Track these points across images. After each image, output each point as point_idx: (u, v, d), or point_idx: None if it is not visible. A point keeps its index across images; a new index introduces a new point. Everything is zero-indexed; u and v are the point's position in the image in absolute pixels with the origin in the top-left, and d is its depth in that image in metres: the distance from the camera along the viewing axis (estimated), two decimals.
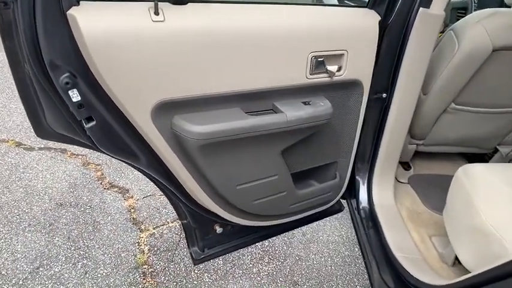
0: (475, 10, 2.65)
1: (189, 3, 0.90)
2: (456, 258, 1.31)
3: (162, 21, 0.85)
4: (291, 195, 1.33)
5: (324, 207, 1.57)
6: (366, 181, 1.63)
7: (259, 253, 2.04)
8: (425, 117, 1.61)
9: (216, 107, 1.02)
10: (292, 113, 1.08)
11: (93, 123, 0.90)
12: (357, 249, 2.13)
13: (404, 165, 1.92)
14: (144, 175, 1.12)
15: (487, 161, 1.92)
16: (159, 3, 0.84)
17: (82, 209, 2.25)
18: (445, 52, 1.40)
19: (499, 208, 1.07)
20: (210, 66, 0.94)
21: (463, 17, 2.74)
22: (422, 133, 1.71)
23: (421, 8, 1.16)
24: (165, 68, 0.89)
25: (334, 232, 2.24)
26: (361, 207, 1.62)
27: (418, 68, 1.28)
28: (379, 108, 1.39)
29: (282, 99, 1.12)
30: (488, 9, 1.33)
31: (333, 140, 1.36)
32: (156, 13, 0.84)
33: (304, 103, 1.14)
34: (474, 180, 1.18)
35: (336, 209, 1.70)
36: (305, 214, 1.50)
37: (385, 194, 1.61)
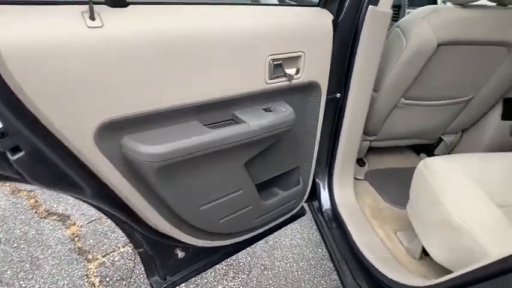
0: (408, 8, 2.80)
1: (130, 6, 0.78)
2: (423, 251, 1.33)
3: (99, 27, 0.71)
4: (256, 208, 1.25)
5: (289, 215, 1.51)
6: (326, 182, 1.61)
7: (222, 268, 1.93)
8: (377, 114, 1.63)
9: (171, 122, 0.90)
10: (255, 122, 1.00)
11: (21, 153, 0.74)
12: (320, 250, 2.11)
13: (359, 161, 1.94)
14: (91, 205, 0.97)
15: (432, 151, 2.01)
16: (94, 6, 0.71)
17: (15, 245, 1.96)
18: (393, 49, 1.41)
19: (463, 201, 1.09)
20: (160, 76, 0.83)
21: (397, 15, 2.91)
22: (375, 129, 1.74)
23: (370, 6, 1.15)
24: (106, 81, 0.75)
25: (296, 235, 2.21)
26: (324, 208, 1.59)
27: (370, 66, 1.27)
28: (335, 109, 1.37)
29: (243, 107, 1.04)
30: (430, 5, 1.37)
31: (295, 145, 1.30)
32: (92, 18, 0.71)
33: (266, 110, 1.07)
34: (436, 173, 1.19)
35: (299, 214, 1.65)
36: (271, 225, 1.43)
37: (346, 193, 1.60)
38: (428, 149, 2.03)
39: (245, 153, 1.07)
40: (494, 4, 1.40)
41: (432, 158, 1.26)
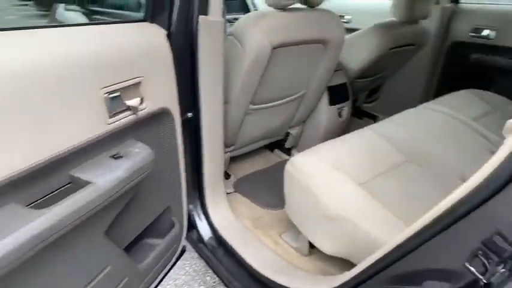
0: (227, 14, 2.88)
1: None
2: (310, 245, 1.36)
3: None
4: (134, 276, 1.01)
5: (172, 261, 1.31)
6: (200, 209, 1.47)
7: None
8: (231, 125, 1.59)
9: None
10: (104, 178, 0.76)
11: None
12: (208, 278, 1.96)
13: (224, 175, 1.87)
14: None
15: (283, 145, 2.12)
16: None
17: None
18: (233, 58, 1.38)
19: (332, 190, 1.14)
20: None
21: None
22: (232, 140, 1.70)
23: (200, 16, 1.06)
24: None
25: (180, 273, 1.98)
26: (204, 236, 1.46)
27: (215, 79, 1.20)
28: (191, 130, 1.24)
29: (82, 163, 0.79)
30: (258, 11, 1.39)
31: (160, 184, 1.11)
32: None
33: (115, 157, 0.84)
34: (303, 171, 1.21)
35: (181, 253, 1.46)
36: (156, 282, 1.20)
37: (223, 213, 1.50)
38: (280, 144, 2.13)
39: (101, 221, 0.82)
40: (305, 6, 1.53)
41: (296, 156, 1.28)
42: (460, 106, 1.84)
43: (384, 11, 2.56)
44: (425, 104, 1.88)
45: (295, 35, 1.41)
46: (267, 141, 1.97)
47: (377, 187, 1.17)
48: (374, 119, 2.65)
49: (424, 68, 2.37)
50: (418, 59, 2.33)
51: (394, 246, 0.78)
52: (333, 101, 1.95)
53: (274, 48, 1.36)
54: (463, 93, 2.04)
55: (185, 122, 1.19)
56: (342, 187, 1.15)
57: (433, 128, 1.57)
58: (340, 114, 2.02)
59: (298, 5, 1.49)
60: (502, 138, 1.62)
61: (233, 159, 1.91)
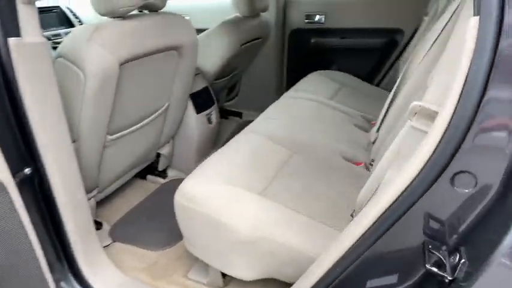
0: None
1: None
2: (223, 275, 1.20)
3: None
4: None
5: None
6: (74, 281, 1.14)
7: None
8: (87, 166, 1.27)
9: None
10: None
11: None
12: None
13: (96, 225, 1.52)
14: None
15: (156, 168, 1.87)
16: None
17: None
18: (69, 85, 1.07)
19: (241, 210, 1.01)
20: None
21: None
22: (93, 182, 1.37)
23: (10, 39, 0.76)
24: None
25: None
26: None
27: (52, 114, 0.92)
28: (35, 191, 0.93)
29: None
30: (90, 24, 1.10)
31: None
32: None
33: None
34: (197, 197, 1.04)
35: None
36: None
37: (107, 275, 1.20)
38: (151, 169, 1.88)
39: None
40: (147, 12, 1.32)
41: (183, 184, 1.10)
42: (315, 89, 1.95)
43: (221, 8, 2.54)
44: (285, 94, 1.93)
45: (144, 45, 1.20)
46: (136, 170, 1.70)
47: (277, 191, 1.10)
48: (240, 115, 2.63)
49: (272, 59, 2.45)
50: (265, 50, 2.39)
51: (332, 263, 0.69)
52: (199, 108, 1.81)
53: (122, 64, 1.12)
54: (312, 76, 2.18)
55: (24, 183, 0.87)
56: (245, 204, 1.03)
57: (303, 115, 1.61)
58: (209, 120, 1.90)
59: (143, 11, 1.28)
60: (357, 110, 1.78)
61: (101, 203, 1.58)
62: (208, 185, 1.09)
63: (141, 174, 1.85)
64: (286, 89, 2.59)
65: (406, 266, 0.59)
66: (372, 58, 2.29)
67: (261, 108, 2.66)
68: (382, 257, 0.62)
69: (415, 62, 1.15)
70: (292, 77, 2.57)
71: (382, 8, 2.14)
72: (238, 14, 1.97)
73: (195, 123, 1.81)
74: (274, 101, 2.61)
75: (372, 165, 1.25)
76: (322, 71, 2.25)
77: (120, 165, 1.49)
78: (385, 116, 1.25)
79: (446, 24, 1.03)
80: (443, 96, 0.58)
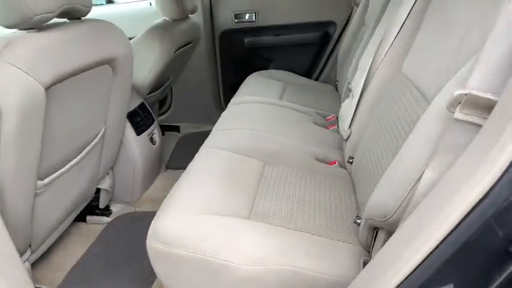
0: None
1: None
2: None
3: None
4: None
5: None
6: None
7: None
8: (15, 224, 0.97)
9: None
10: None
11: None
12: None
13: None
14: None
15: (97, 206, 1.58)
16: None
17: None
18: None
19: (235, 242, 0.84)
20: None
21: None
22: (25, 241, 1.07)
23: None
24: None
25: None
26: None
27: None
28: None
29: None
30: None
31: None
32: None
33: None
34: (178, 237, 0.85)
35: None
36: None
37: None
38: (91, 208, 1.57)
39: None
40: (66, 20, 1.05)
41: (154, 225, 0.90)
42: (261, 91, 1.84)
43: (140, 13, 2.29)
44: (232, 101, 1.77)
45: (71, 61, 0.95)
46: (74, 215, 1.40)
47: (265, 210, 0.96)
48: (177, 129, 2.40)
49: (204, 64, 2.28)
50: (196, 56, 2.21)
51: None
52: (139, 129, 1.57)
53: (48, 88, 0.86)
54: (253, 78, 2.06)
55: None
56: (236, 234, 0.87)
57: (261, 120, 1.48)
58: (152, 141, 1.66)
59: (58, 20, 1.01)
60: (309, 106, 1.72)
61: (37, 263, 1.26)
62: (186, 220, 0.90)
63: (80, 217, 1.54)
64: (224, 95, 2.45)
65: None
66: (308, 53, 2.26)
67: (200, 119, 2.49)
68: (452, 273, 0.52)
69: (380, 53, 1.10)
70: (228, 81, 2.43)
71: (313, 1, 2.12)
72: (166, 18, 1.76)
73: (137, 147, 1.56)
74: (212, 110, 2.46)
75: (351, 162, 1.17)
76: (261, 72, 2.15)
77: (55, 214, 1.19)
78: (355, 112, 1.19)
79: (409, 13, 1.00)
80: (495, 81, 0.50)
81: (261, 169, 1.15)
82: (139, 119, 1.56)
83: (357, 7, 1.96)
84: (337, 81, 2.02)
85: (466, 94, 0.52)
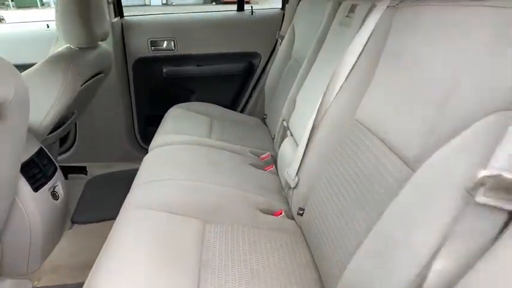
0: None
1: None
2: None
3: None
4: None
5: None
6: None
7: None
8: None
9: None
10: None
11: None
12: None
13: None
14: None
15: None
16: None
17: None
18: None
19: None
20: None
21: None
22: None
23: None
24: None
25: None
26: None
27: None
28: None
29: None
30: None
31: None
32: None
33: None
34: None
35: None
36: None
37: None
38: None
39: None
40: None
41: None
42: (186, 127, 1.66)
43: (38, 36, 1.92)
44: (154, 142, 1.55)
45: None
46: None
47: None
48: (83, 171, 2.04)
49: (116, 94, 2.00)
50: (105, 87, 1.92)
51: None
52: (37, 183, 1.24)
53: None
54: (174, 111, 1.87)
55: None
56: None
57: (191, 166, 1.29)
58: (55, 195, 1.34)
59: None
60: (241, 144, 1.59)
61: None
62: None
63: None
64: (139, 129, 2.18)
65: None
66: (232, 84, 2.16)
67: (110, 157, 2.16)
68: None
69: (329, 94, 1.04)
70: (144, 114, 2.17)
71: (236, 32, 2.04)
72: (69, 45, 1.47)
73: (35, 206, 1.23)
74: (124, 146, 2.16)
75: (301, 214, 1.07)
76: (182, 104, 1.97)
77: None
78: (302, 158, 1.10)
79: (361, 52, 0.95)
80: None
81: (201, 230, 0.97)
82: (37, 171, 1.24)
83: (281, 40, 1.93)
84: (265, 115, 1.95)
85: (492, 176, 0.44)
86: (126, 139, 2.13)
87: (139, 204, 1.04)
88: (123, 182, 1.96)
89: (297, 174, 1.11)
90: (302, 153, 1.09)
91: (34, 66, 1.31)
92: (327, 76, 1.08)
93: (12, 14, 12.30)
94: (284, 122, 1.47)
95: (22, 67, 1.38)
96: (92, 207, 1.72)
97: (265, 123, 1.97)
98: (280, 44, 1.93)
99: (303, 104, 1.28)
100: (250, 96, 2.16)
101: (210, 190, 1.16)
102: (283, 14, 2.03)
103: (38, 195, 1.22)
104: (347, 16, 1.19)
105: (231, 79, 2.14)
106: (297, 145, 1.22)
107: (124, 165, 2.12)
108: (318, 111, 1.05)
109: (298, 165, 1.10)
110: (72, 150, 2.11)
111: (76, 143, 2.10)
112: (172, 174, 1.21)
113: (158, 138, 1.55)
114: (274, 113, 1.76)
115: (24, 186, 1.19)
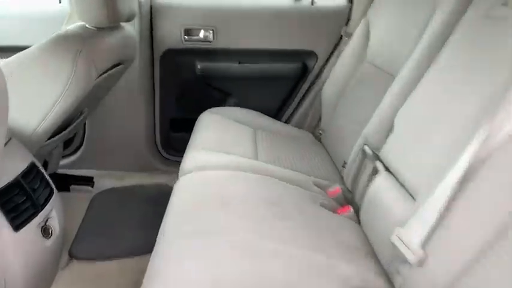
0: None
1: None
2: None
3: None
4: None
5: None
6: None
7: None
8: None
9: None
10: None
11: None
12: None
13: None
14: None
15: None
16: None
17: None
18: None
19: None
20: None
21: None
22: None
23: None
24: None
25: None
26: None
27: None
28: None
29: None
30: None
31: None
32: None
33: None
34: None
35: None
36: None
37: None
38: None
39: None
40: None
41: None
42: (227, 143, 1.28)
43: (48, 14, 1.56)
44: (186, 165, 1.15)
45: None
46: None
47: None
48: (89, 182, 1.66)
49: (137, 91, 1.62)
50: (125, 78, 1.54)
51: None
52: (19, 219, 0.85)
53: None
54: (207, 118, 1.49)
55: None
56: None
57: (247, 218, 0.89)
58: (45, 232, 0.95)
59: None
60: (301, 171, 1.19)
61: None
62: None
63: None
64: (161, 135, 1.79)
65: None
66: (279, 88, 1.75)
67: (123, 166, 1.77)
68: None
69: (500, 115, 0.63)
70: (168, 117, 1.79)
71: (289, 25, 1.64)
72: (84, 23, 1.08)
73: (14, 252, 0.84)
74: (142, 154, 1.76)
75: None
76: (216, 109, 1.58)
77: None
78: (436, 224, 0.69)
79: None
80: None
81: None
82: (21, 199, 0.85)
83: (348, 38, 1.53)
84: (320, 131, 1.55)
85: None
86: (144, 145, 1.75)
87: (176, 275, 0.65)
88: (138, 201, 1.59)
89: (424, 245, 0.70)
90: (437, 215, 0.68)
91: (30, 48, 0.92)
92: (477, 95, 0.68)
93: None
94: (367, 147, 1.07)
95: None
96: (97, 236, 1.33)
97: (318, 140, 1.57)
98: (346, 43, 1.53)
99: (415, 131, 0.88)
100: (299, 105, 1.76)
101: (277, 255, 0.76)
102: (351, 7, 1.63)
103: (20, 236, 0.84)
104: (504, 4, 0.78)
105: (278, 82, 1.74)
106: (408, 192, 0.82)
107: (139, 177, 1.74)
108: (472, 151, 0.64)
109: (427, 231, 0.69)
110: (78, 154, 1.73)
111: (84, 145, 1.72)
112: (219, 223, 0.82)
113: (191, 157, 1.16)
114: (340, 131, 1.36)
115: (1, 223, 0.80)
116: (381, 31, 1.33)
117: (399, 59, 1.09)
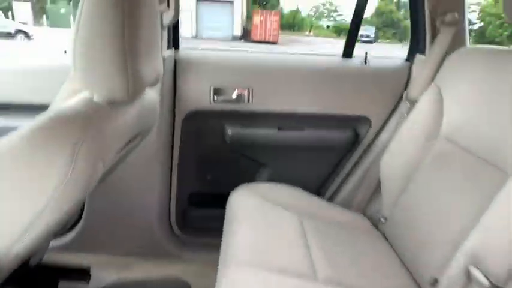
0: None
1: None
2: None
3: None
4: None
5: None
6: None
7: None
8: None
9: None
10: None
11: None
12: None
13: None
14: None
15: None
16: None
17: None
18: None
19: None
20: None
21: None
22: None
23: None
24: None
25: None
26: None
27: None
28: None
29: None
30: None
31: None
32: None
33: None
34: None
35: None
36: None
37: None
38: None
39: None
40: None
41: None
42: (271, 248, 0.97)
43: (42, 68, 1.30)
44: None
45: None
46: None
47: None
48: (85, 276, 1.31)
49: (153, 159, 1.32)
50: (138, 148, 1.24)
51: None
52: None
53: None
54: (243, 199, 1.18)
55: None
56: None
57: None
58: None
59: None
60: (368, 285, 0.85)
61: None
62: None
63: None
64: (176, 213, 1.46)
65: None
66: (324, 160, 1.46)
67: (131, 250, 1.43)
68: None
69: None
70: (187, 191, 1.48)
71: (338, 85, 1.37)
72: (91, 96, 0.77)
73: None
74: (154, 236, 1.40)
75: None
76: (250, 186, 1.27)
77: None
78: None
79: None
80: None
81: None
82: None
83: (411, 105, 1.25)
84: (383, 218, 1.23)
85: None
86: (156, 224, 1.42)
87: None
88: None
89: None
90: None
91: (15, 135, 0.62)
92: None
93: (43, 32, 12.28)
94: (476, 270, 0.75)
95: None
96: None
97: (376, 226, 1.25)
98: (409, 110, 1.25)
99: None
100: (346, 179, 1.45)
101: None
102: (410, 66, 1.37)
103: None
104: None
105: (324, 152, 1.44)
106: None
107: (148, 265, 1.39)
108: None
109: None
110: (72, 233, 1.39)
111: (81, 222, 1.39)
112: None
113: (227, 281, 0.83)
114: (417, 228, 1.04)
115: None
116: (455, 101, 1.05)
117: (502, 146, 0.81)
